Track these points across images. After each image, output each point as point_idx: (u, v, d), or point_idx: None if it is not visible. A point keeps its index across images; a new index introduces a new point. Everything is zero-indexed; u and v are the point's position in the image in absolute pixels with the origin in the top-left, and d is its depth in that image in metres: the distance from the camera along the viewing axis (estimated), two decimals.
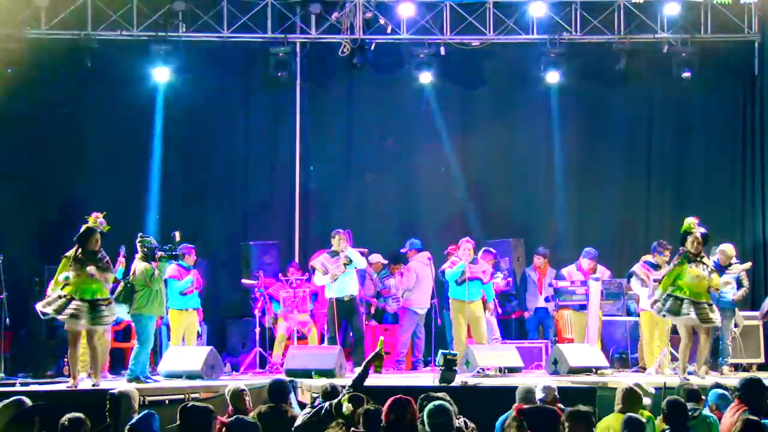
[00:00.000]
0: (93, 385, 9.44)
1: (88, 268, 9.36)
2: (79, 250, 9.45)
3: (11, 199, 13.27)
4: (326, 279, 11.63)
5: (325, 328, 12.27)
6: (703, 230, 10.30)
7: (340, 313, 11.59)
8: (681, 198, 14.13)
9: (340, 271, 11.60)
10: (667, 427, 6.52)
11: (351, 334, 11.95)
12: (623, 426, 6.40)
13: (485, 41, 14.05)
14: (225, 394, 7.81)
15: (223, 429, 6.65)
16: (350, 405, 6.44)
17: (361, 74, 14.23)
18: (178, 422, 6.04)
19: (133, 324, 10.60)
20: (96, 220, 9.58)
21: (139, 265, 10.36)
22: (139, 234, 10.62)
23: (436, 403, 5.88)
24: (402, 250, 12.85)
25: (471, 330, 11.82)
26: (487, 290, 12.05)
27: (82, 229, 9.54)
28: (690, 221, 10.33)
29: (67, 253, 9.52)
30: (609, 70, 14.06)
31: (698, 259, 10.20)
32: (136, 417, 6.80)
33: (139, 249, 10.44)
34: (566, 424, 6.06)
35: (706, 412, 7.18)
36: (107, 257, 9.67)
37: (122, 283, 10.37)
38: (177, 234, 11.03)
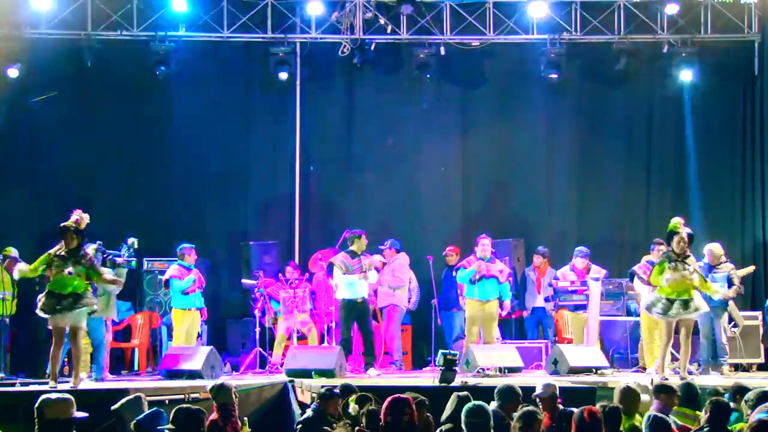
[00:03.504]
0: (71, 387, 9.27)
1: (68, 269, 9.40)
2: (62, 248, 9.50)
3: (12, 199, 13.30)
4: (353, 278, 11.43)
5: (326, 328, 12.29)
6: (688, 230, 10.30)
7: (352, 314, 11.51)
8: (681, 198, 14.13)
9: (359, 276, 11.47)
10: (707, 426, 6.44)
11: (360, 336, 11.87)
12: (646, 425, 6.35)
13: (485, 41, 14.05)
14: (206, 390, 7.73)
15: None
16: (357, 406, 6.45)
17: (361, 74, 14.24)
18: (170, 424, 6.03)
19: (88, 327, 10.39)
20: (73, 217, 9.60)
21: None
22: (99, 242, 10.61)
23: (477, 402, 5.86)
24: (380, 247, 12.55)
25: (483, 329, 11.71)
26: (504, 290, 11.91)
27: (58, 228, 9.58)
28: (676, 221, 10.33)
29: (50, 251, 9.56)
30: (609, 70, 14.06)
31: (682, 259, 10.17)
32: (143, 414, 6.81)
33: (93, 254, 10.36)
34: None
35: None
36: (89, 255, 9.68)
37: None
38: (135, 241, 11.05)
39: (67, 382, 9.74)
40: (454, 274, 12.17)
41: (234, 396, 7.37)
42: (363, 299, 11.60)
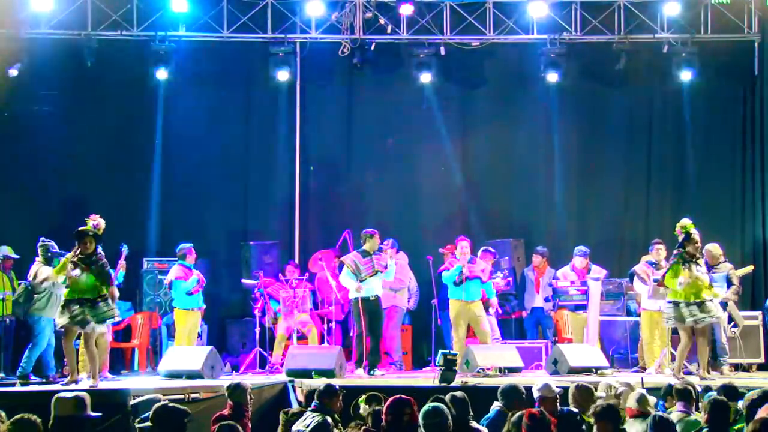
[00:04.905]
0: (91, 386, 9.29)
1: (75, 271, 9.42)
2: (78, 252, 9.50)
3: (11, 199, 13.29)
4: (353, 285, 11.33)
5: (326, 328, 12.30)
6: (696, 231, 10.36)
7: (366, 312, 11.34)
8: (681, 198, 14.14)
9: (369, 275, 11.38)
10: (706, 426, 6.44)
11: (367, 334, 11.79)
12: (650, 425, 6.36)
13: (485, 41, 14.06)
14: (224, 388, 7.79)
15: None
16: (367, 406, 6.44)
17: (361, 74, 14.24)
18: (149, 423, 6.01)
19: (37, 329, 10.67)
20: (91, 222, 9.61)
21: (42, 269, 10.51)
22: (42, 238, 10.64)
23: (432, 404, 5.87)
24: (382, 246, 12.28)
25: (473, 329, 11.75)
26: (488, 289, 11.98)
27: (76, 232, 9.61)
28: (689, 222, 10.33)
29: (67, 255, 9.63)
30: (609, 70, 14.07)
31: (694, 260, 10.21)
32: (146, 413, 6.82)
33: (40, 253, 10.57)
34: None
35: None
36: (103, 259, 9.67)
37: (22, 285, 10.77)
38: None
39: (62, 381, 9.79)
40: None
41: (249, 397, 7.50)
42: (376, 296, 11.48)
